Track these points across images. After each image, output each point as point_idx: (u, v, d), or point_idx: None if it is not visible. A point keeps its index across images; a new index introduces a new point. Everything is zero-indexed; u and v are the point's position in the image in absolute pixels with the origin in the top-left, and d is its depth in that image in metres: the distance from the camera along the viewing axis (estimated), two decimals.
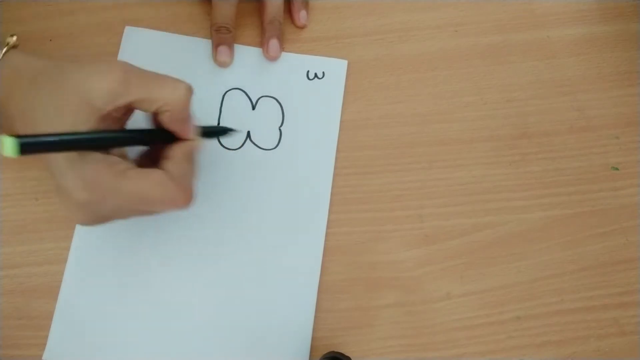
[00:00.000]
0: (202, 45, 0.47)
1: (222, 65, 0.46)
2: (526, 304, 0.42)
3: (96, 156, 0.32)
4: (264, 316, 0.41)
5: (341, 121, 0.46)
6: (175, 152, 0.35)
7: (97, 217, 0.34)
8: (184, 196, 0.34)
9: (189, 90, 0.34)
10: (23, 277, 0.41)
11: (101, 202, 0.33)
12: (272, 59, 0.47)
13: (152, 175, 0.33)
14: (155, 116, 0.36)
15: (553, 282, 0.43)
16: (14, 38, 0.37)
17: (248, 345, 0.41)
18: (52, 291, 0.41)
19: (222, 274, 0.42)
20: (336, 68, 0.47)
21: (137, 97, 0.33)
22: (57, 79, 0.34)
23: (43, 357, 0.40)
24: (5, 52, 0.36)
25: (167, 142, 0.35)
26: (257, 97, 0.46)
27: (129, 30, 0.47)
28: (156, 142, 0.36)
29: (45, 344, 0.40)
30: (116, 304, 0.41)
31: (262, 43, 0.47)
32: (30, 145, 0.30)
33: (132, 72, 0.33)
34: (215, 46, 0.46)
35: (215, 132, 0.42)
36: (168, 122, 0.34)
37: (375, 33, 0.48)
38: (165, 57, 0.46)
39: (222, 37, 0.46)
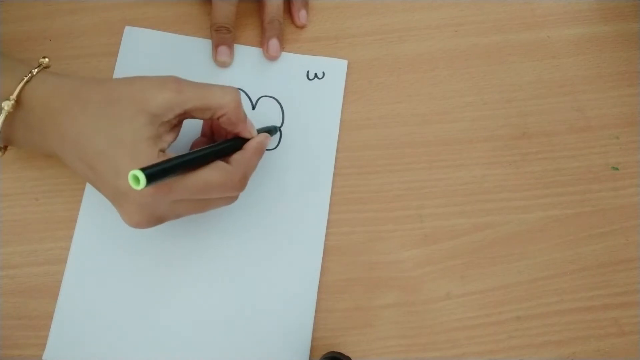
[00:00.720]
0: (202, 45, 0.47)
1: (222, 65, 0.46)
2: (526, 304, 0.42)
3: (157, 155, 0.34)
4: (264, 316, 0.41)
5: (341, 121, 0.46)
6: (248, 145, 0.39)
7: (153, 217, 0.36)
8: (240, 181, 0.37)
9: (238, 92, 0.37)
10: (23, 277, 0.41)
11: (163, 196, 0.34)
12: (272, 58, 0.47)
13: (211, 164, 0.36)
14: (208, 126, 0.41)
15: (553, 282, 0.43)
16: (46, 59, 0.38)
17: (248, 345, 0.41)
18: (52, 291, 0.41)
19: (222, 274, 0.42)
20: (336, 68, 0.47)
21: (192, 106, 0.36)
22: (104, 93, 0.35)
23: (43, 357, 0.40)
24: (38, 72, 0.37)
25: (241, 147, 0.39)
26: (257, 97, 0.46)
27: (129, 30, 0.47)
28: (232, 151, 0.39)
29: (45, 344, 0.40)
30: (116, 304, 0.41)
31: (262, 43, 0.47)
32: (154, 175, 0.31)
33: (185, 84, 0.36)
34: (215, 46, 0.46)
35: (268, 130, 0.43)
36: (227, 124, 0.38)
37: (375, 33, 0.48)
38: (165, 57, 0.46)
39: (222, 37, 0.46)
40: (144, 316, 0.41)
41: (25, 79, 0.36)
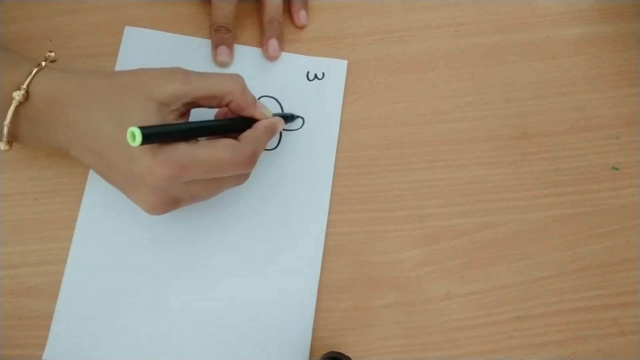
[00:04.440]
0: (201, 45, 0.47)
1: (222, 65, 0.46)
2: (526, 304, 0.42)
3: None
4: (264, 316, 0.41)
5: (341, 121, 0.46)
6: (257, 124, 0.40)
7: (169, 198, 0.36)
8: (250, 158, 0.37)
9: (241, 78, 0.38)
10: (23, 277, 0.41)
11: (178, 177, 0.34)
12: (272, 58, 0.47)
13: (222, 141, 0.36)
14: (223, 115, 0.41)
15: (553, 282, 0.43)
16: (53, 54, 0.39)
17: (248, 345, 0.41)
18: (52, 291, 0.41)
19: (222, 274, 0.42)
20: (336, 68, 0.47)
21: (199, 94, 0.36)
22: (112, 83, 0.36)
23: (43, 357, 0.40)
24: (45, 66, 0.38)
25: (250, 126, 0.39)
26: (257, 97, 0.46)
27: (129, 30, 0.47)
28: (244, 126, 0.39)
29: (45, 344, 0.40)
30: (116, 304, 0.41)
31: (261, 43, 0.47)
32: (152, 136, 0.32)
33: (192, 74, 0.37)
34: (215, 46, 0.46)
35: (285, 116, 0.44)
36: (237, 110, 0.39)
37: (375, 33, 0.48)
38: (165, 57, 0.46)
39: (221, 37, 0.46)
40: (143, 316, 0.41)
41: (35, 70, 0.37)
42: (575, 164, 0.46)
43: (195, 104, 0.37)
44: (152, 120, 0.35)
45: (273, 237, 0.43)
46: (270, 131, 0.40)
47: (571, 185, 0.45)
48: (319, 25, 0.48)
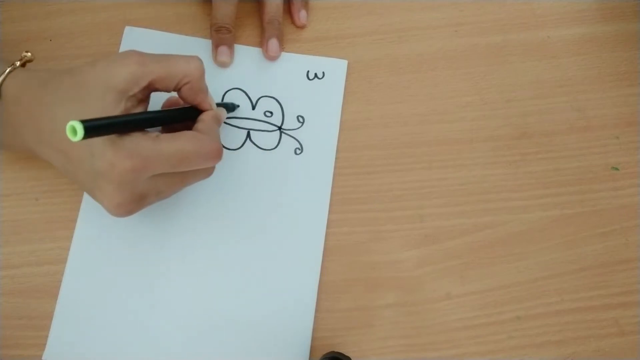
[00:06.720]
0: (202, 46, 0.47)
1: (222, 65, 0.46)
2: (526, 304, 0.42)
3: (131, 133, 0.34)
4: (264, 316, 0.41)
5: (341, 121, 0.46)
6: (205, 116, 0.39)
7: (134, 195, 0.35)
8: (216, 148, 0.37)
9: (201, 61, 0.37)
10: (23, 277, 0.41)
11: (142, 170, 0.34)
12: (272, 58, 0.47)
13: (185, 134, 0.36)
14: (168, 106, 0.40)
15: (553, 282, 0.43)
16: (29, 54, 0.39)
17: (248, 345, 0.41)
18: (52, 291, 0.41)
19: (223, 274, 0.42)
20: (336, 68, 0.47)
21: (157, 75, 0.35)
22: (71, 79, 0.35)
23: (43, 357, 0.40)
24: (20, 65, 0.37)
25: (194, 117, 0.39)
26: (257, 97, 0.46)
27: (129, 30, 0.47)
28: (189, 118, 0.39)
29: (45, 344, 0.40)
30: (116, 304, 0.41)
31: (261, 43, 0.47)
32: (94, 129, 0.30)
33: (147, 55, 0.36)
34: (215, 46, 0.46)
35: (226, 106, 0.44)
36: (189, 94, 0.38)
37: (375, 33, 0.48)
38: None
39: (222, 37, 0.46)
40: (143, 316, 0.41)
41: (8, 69, 0.36)
42: (575, 164, 0.46)
43: (152, 87, 0.36)
44: (110, 112, 0.34)
45: (273, 237, 0.43)
46: (218, 122, 0.40)
47: (571, 185, 0.45)
48: (319, 25, 0.48)
